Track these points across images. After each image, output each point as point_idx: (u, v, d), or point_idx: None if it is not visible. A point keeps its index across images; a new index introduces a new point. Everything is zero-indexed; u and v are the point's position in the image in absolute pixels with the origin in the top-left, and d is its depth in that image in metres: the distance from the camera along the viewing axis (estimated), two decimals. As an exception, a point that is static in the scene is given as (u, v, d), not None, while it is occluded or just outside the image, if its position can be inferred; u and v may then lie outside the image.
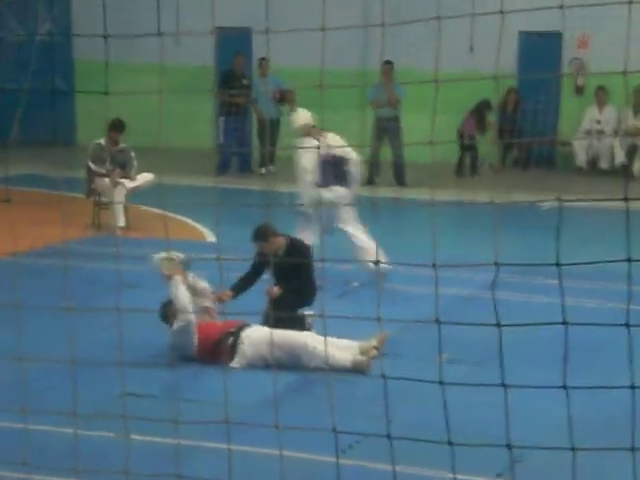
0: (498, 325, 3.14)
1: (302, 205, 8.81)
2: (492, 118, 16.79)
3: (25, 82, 17.60)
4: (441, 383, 3.26)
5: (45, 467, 4.64)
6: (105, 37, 3.31)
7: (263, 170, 16.54)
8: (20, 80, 17.90)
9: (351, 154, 9.21)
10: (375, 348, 6.77)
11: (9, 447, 4.52)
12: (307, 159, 8.96)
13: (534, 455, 5.01)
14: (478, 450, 4.54)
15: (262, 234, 7.16)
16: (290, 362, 6.59)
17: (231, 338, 6.73)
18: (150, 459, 4.93)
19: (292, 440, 4.54)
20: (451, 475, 4.43)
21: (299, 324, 7.07)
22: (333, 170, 9.05)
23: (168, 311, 6.82)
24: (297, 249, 7.42)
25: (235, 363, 6.65)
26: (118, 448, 4.77)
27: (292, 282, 7.23)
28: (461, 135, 16.31)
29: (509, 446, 3.25)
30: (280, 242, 7.37)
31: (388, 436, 3.22)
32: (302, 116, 9.24)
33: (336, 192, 9.09)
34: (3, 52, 18.68)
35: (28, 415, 4.25)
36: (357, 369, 6.63)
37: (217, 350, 6.64)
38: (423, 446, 4.90)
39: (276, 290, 7.20)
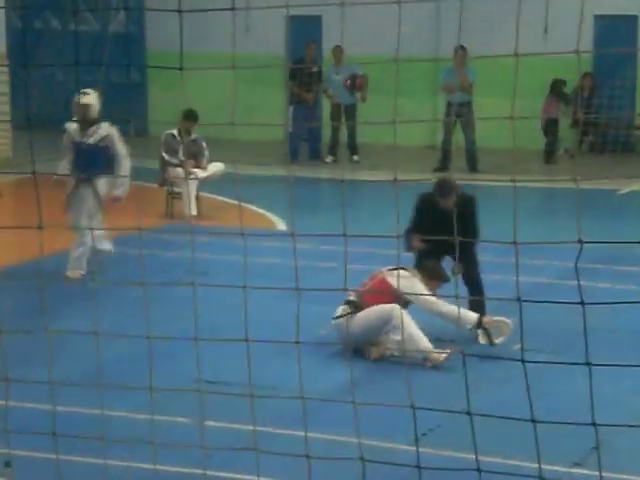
0: (582, 303, 3.05)
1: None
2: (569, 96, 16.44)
3: (100, 73, 17.84)
4: (523, 361, 3.17)
5: (118, 448, 4.69)
6: (179, 11, 3.29)
7: (329, 159, 16.51)
8: (94, 72, 18.15)
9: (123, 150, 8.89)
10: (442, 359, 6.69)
11: (87, 428, 4.57)
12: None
13: (614, 442, 4.89)
14: (555, 439, 4.45)
15: (445, 190, 7.20)
16: (372, 333, 6.68)
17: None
18: (225, 444, 4.93)
19: (368, 428, 4.51)
20: (528, 464, 4.35)
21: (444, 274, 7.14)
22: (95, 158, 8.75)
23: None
24: (465, 201, 7.32)
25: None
26: (193, 433, 4.79)
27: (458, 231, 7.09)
28: (545, 119, 16.11)
29: (594, 424, 3.15)
30: (452, 202, 7.20)
31: (468, 413, 3.15)
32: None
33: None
34: (78, 44, 18.94)
35: (104, 397, 4.29)
36: (431, 359, 6.58)
37: None
38: (500, 435, 4.83)
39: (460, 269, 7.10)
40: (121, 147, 8.91)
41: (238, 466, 4.83)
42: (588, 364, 3.05)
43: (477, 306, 7.13)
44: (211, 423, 5.01)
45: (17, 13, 19.09)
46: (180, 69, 3.55)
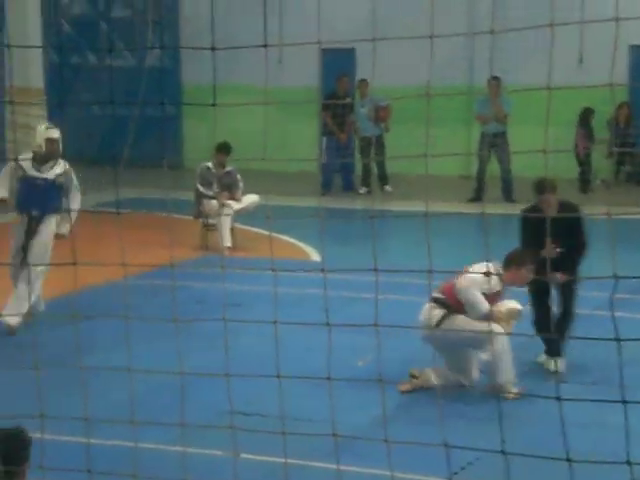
0: (618, 340, 3.00)
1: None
2: (602, 132, 16.39)
3: (135, 108, 18.02)
4: (559, 399, 3.12)
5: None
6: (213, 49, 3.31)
7: (362, 190, 16.52)
8: (131, 106, 18.34)
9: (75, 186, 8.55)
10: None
11: (121, 462, 4.56)
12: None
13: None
14: (593, 472, 4.36)
15: (542, 187, 7.02)
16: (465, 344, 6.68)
17: None
18: (259, 477, 4.90)
19: (402, 461, 4.45)
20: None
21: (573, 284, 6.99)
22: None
23: None
24: (569, 208, 7.05)
25: None
26: (226, 465, 4.76)
27: (567, 241, 6.96)
28: (577, 150, 16.07)
29: (629, 462, 3.09)
30: (552, 200, 7.01)
31: (503, 452, 3.10)
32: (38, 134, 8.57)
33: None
34: (115, 79, 19.19)
35: (137, 431, 4.28)
36: (501, 390, 6.51)
37: None
38: (538, 469, 4.74)
39: (555, 250, 6.88)
40: (76, 184, 8.56)
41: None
42: (624, 402, 2.99)
43: (561, 327, 7.02)
44: (244, 455, 4.98)
45: (54, 49, 19.39)
46: (213, 105, 3.56)
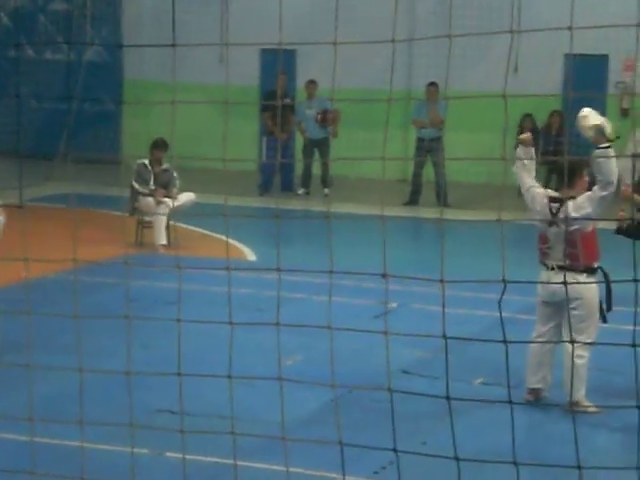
0: (505, 342, 3.13)
1: None
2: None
3: (73, 102, 17.85)
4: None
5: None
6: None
7: (300, 191, 16.59)
8: (68, 100, 18.17)
9: None
10: None
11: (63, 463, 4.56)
12: None
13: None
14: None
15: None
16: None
17: None
18: (185, 475, 4.93)
19: (324, 459, 4.53)
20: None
21: None
22: None
23: None
24: None
25: None
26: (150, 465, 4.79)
27: None
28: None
29: (579, 467, 3.20)
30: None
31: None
32: None
33: None
34: (53, 73, 18.97)
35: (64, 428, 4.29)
36: (578, 406, 6.47)
37: None
38: (453, 469, 4.86)
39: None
40: None
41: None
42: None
43: None
44: (169, 454, 5.01)
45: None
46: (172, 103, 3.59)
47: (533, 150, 6.89)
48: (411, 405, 6.33)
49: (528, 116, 16.45)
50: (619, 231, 7.09)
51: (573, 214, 6.49)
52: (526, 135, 6.90)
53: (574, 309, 6.39)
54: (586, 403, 6.57)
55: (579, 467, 3.16)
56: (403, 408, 6.44)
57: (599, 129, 6.46)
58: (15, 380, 5.83)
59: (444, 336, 3.09)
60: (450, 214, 14.65)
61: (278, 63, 16.56)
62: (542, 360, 6.66)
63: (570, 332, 6.34)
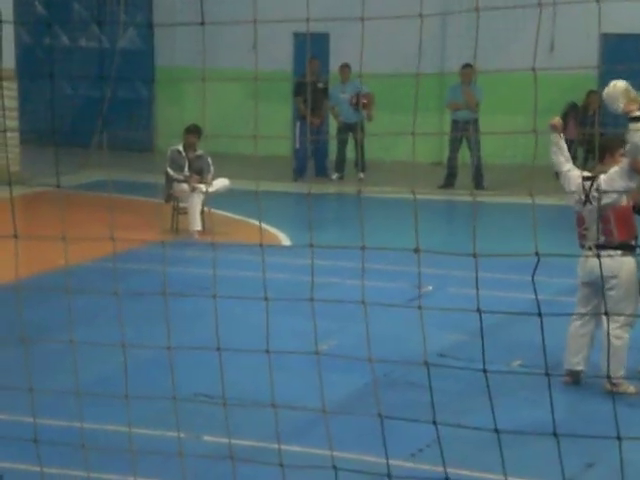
0: (479, 311, 3.12)
1: None
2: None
3: (107, 89, 17.94)
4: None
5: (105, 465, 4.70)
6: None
7: (334, 176, 16.55)
8: (102, 87, 18.27)
9: None
10: None
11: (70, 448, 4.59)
12: None
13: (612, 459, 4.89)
14: (550, 456, 4.45)
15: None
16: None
17: None
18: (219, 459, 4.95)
19: (360, 443, 4.51)
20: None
21: None
22: None
23: None
24: None
25: None
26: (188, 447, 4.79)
27: None
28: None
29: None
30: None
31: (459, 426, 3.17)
32: None
33: None
34: (87, 61, 19.07)
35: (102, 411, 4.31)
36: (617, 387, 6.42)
37: None
38: (494, 452, 4.83)
39: None
40: None
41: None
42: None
43: None
44: (206, 438, 5.03)
45: (26, 29, 19.24)
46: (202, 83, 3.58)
47: (562, 137, 6.72)
48: (448, 386, 6.31)
49: (574, 107, 16.24)
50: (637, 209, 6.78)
51: (604, 188, 6.35)
52: (556, 119, 6.77)
53: (610, 289, 6.32)
54: (625, 384, 6.50)
55: (619, 438, 3.12)
56: (440, 390, 6.42)
57: (627, 93, 6.29)
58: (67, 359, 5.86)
59: (478, 310, 3.07)
60: (485, 197, 14.54)
61: (309, 47, 16.51)
62: (581, 342, 6.59)
63: (606, 311, 6.26)
